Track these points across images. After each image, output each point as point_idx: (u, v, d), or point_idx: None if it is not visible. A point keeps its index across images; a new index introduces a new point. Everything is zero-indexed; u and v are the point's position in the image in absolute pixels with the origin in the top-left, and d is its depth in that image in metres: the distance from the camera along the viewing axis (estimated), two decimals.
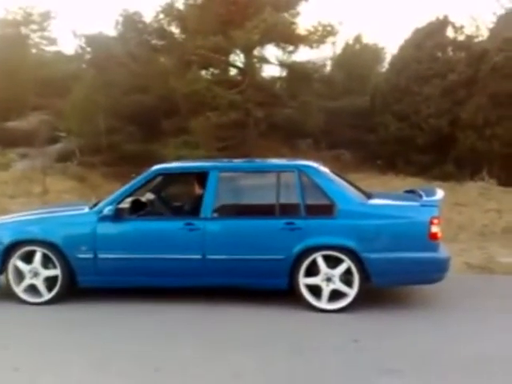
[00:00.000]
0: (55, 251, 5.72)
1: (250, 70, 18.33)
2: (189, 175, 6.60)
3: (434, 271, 5.43)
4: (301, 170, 5.68)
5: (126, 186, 5.90)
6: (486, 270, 7.18)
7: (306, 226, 5.44)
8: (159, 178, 6.35)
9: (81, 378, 4.08)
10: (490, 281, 6.78)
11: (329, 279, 5.44)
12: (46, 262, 5.80)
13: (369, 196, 5.93)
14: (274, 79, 19.64)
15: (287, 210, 5.60)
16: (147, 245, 5.66)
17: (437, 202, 5.48)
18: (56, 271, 5.75)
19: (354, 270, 5.40)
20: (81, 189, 14.44)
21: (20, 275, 5.84)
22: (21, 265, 5.81)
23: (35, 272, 5.78)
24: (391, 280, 5.55)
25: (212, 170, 5.83)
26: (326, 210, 5.49)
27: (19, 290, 5.83)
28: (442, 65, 17.20)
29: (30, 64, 23.01)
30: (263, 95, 18.00)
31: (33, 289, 5.83)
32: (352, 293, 5.43)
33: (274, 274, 5.49)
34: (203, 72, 18.79)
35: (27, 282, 5.81)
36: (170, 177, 6.54)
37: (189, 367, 4.24)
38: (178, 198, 6.68)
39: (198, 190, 6.12)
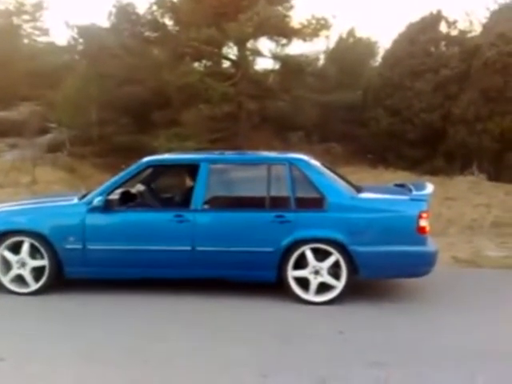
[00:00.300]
0: (43, 242, 5.67)
1: (243, 63, 18.31)
2: (179, 167, 6.58)
3: (422, 264, 5.45)
4: (292, 163, 5.68)
5: (116, 178, 5.86)
6: (473, 264, 7.22)
7: (295, 218, 5.44)
8: (150, 170, 6.32)
9: (68, 367, 4.07)
10: (477, 274, 6.80)
11: (317, 272, 5.44)
12: (34, 253, 5.76)
13: (359, 189, 5.94)
14: (267, 72, 19.59)
15: (277, 203, 5.59)
16: (136, 236, 5.63)
17: (426, 197, 5.49)
18: (43, 262, 5.72)
19: (342, 262, 5.40)
20: (70, 179, 14.39)
21: (7, 265, 5.80)
22: (8, 255, 5.77)
23: (22, 262, 5.73)
24: (379, 273, 5.57)
25: (203, 162, 5.80)
26: (315, 203, 5.49)
27: (6, 280, 5.80)
28: (434, 60, 17.22)
29: (22, 54, 22.86)
30: (256, 88, 18.00)
31: (20, 279, 5.79)
32: (340, 285, 5.43)
33: (262, 267, 5.49)
34: (196, 64, 18.76)
35: (14, 272, 5.77)
36: (161, 168, 6.51)
37: (178, 358, 4.23)
38: (168, 189, 6.63)
39: (188, 182, 6.09)
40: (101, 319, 5.12)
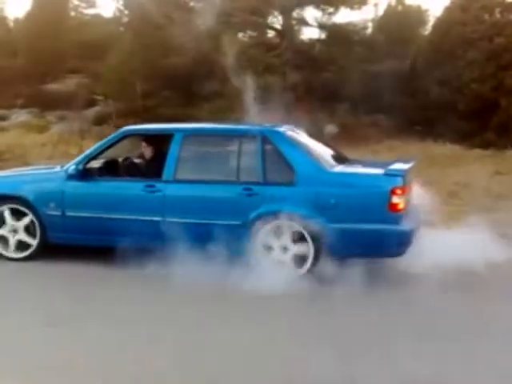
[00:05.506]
0: (28, 207, 5.90)
1: (288, 33, 18.05)
2: (157, 137, 6.42)
3: (394, 244, 5.11)
4: (264, 135, 5.53)
5: (95, 146, 6.00)
6: None
7: (263, 192, 5.33)
8: (128, 140, 6.27)
9: (121, 331, 4.17)
10: None
11: (285, 248, 5.31)
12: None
13: (343, 163, 5.78)
14: (313, 42, 19.27)
15: (247, 176, 5.48)
16: (110, 205, 5.73)
17: (402, 172, 5.21)
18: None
19: (308, 239, 5.21)
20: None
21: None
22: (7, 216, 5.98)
23: (15, 229, 5.96)
24: (347, 251, 5.23)
25: (177, 132, 5.79)
26: (285, 177, 5.35)
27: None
28: (488, 27, 16.54)
29: (69, 27, 23.16)
30: (301, 58, 17.71)
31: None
32: (308, 262, 5.25)
33: (231, 240, 5.28)
34: (240, 35, 18.59)
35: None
36: (138, 138, 6.50)
37: (221, 330, 4.23)
38: (145, 159, 6.50)
39: (163, 152, 6.00)
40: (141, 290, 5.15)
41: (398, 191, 5.06)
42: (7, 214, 5.97)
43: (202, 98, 16.58)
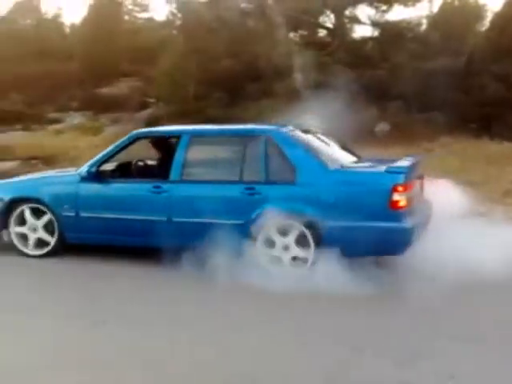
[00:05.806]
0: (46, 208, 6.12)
1: (339, 31, 17.86)
2: (165, 139, 6.64)
3: (395, 242, 5.07)
4: (268, 135, 5.59)
5: (107, 150, 6.16)
6: None
7: (265, 191, 5.39)
8: (139, 142, 6.40)
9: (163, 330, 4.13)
10: None
11: (286, 247, 5.29)
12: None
13: (351, 162, 5.81)
14: (365, 40, 19.01)
15: (249, 175, 5.55)
16: (120, 205, 5.92)
17: (404, 169, 5.13)
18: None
19: (309, 237, 5.19)
20: None
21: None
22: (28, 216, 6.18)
23: (34, 228, 6.19)
24: (349, 250, 5.13)
25: (183, 134, 5.92)
26: (287, 176, 5.40)
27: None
28: None
29: (123, 31, 23.63)
30: (353, 56, 17.50)
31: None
32: (309, 260, 5.20)
33: (234, 239, 5.28)
34: (292, 34, 18.54)
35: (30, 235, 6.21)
36: (149, 141, 6.66)
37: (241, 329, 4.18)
38: (154, 161, 6.77)
39: (171, 154, 6.07)
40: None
41: (400, 188, 5.00)
42: (28, 214, 6.18)
43: (251, 98, 16.60)
